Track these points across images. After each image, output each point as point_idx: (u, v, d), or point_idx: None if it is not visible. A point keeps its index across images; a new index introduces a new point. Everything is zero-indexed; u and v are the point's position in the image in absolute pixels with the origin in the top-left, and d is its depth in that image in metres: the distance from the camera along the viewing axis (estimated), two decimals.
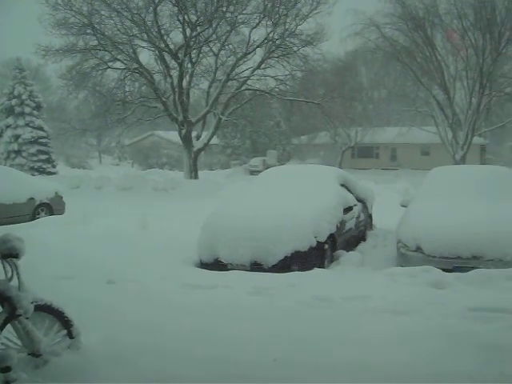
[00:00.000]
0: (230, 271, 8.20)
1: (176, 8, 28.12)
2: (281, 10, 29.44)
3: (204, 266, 8.93)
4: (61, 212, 15.26)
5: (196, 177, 29.96)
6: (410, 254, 8.49)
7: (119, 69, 29.34)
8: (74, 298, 5.64)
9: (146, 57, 32.15)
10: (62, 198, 15.72)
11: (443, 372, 4.40)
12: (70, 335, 4.57)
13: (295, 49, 30.53)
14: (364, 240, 11.66)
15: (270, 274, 7.91)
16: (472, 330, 5.20)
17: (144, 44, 28.91)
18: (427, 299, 6.30)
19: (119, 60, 28.73)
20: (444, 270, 7.61)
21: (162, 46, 28.57)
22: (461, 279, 7.14)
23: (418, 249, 8.41)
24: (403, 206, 10.40)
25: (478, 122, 39.69)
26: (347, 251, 9.69)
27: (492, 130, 44.75)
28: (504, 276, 7.07)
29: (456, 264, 8.00)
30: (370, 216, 12.63)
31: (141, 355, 4.70)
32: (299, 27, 30.06)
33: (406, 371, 4.44)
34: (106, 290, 7.03)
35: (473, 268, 7.50)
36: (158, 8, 27.71)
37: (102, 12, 27.73)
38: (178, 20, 28.69)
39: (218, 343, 5.04)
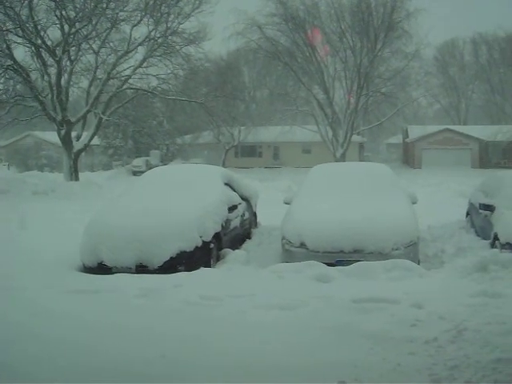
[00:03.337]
0: (115, 274, 7.97)
1: (53, 3, 27.08)
2: (162, 8, 29.20)
3: (87, 270, 8.63)
4: None
5: (77, 178, 29.01)
6: (294, 250, 8.66)
7: None
8: None
9: (22, 53, 30.53)
10: None
11: (330, 362, 4.50)
12: None
13: (177, 47, 30.43)
14: (249, 238, 11.76)
15: (157, 275, 7.79)
16: (356, 321, 5.38)
17: (19, 40, 27.57)
18: (312, 293, 6.44)
19: None
20: (327, 264, 7.82)
21: (39, 42, 27.38)
22: (344, 272, 7.38)
23: (302, 245, 8.59)
24: (286, 203, 10.57)
25: (356, 121, 41.36)
26: (233, 250, 9.71)
27: (370, 128, 46.65)
28: (383, 268, 7.40)
29: (338, 258, 8.26)
30: (254, 214, 12.75)
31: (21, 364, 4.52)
32: (181, 26, 30.05)
33: (294, 363, 4.49)
34: None
35: (355, 261, 7.76)
36: (34, 2, 26.54)
37: None
38: (56, 16, 27.60)
39: (105, 343, 4.94)
